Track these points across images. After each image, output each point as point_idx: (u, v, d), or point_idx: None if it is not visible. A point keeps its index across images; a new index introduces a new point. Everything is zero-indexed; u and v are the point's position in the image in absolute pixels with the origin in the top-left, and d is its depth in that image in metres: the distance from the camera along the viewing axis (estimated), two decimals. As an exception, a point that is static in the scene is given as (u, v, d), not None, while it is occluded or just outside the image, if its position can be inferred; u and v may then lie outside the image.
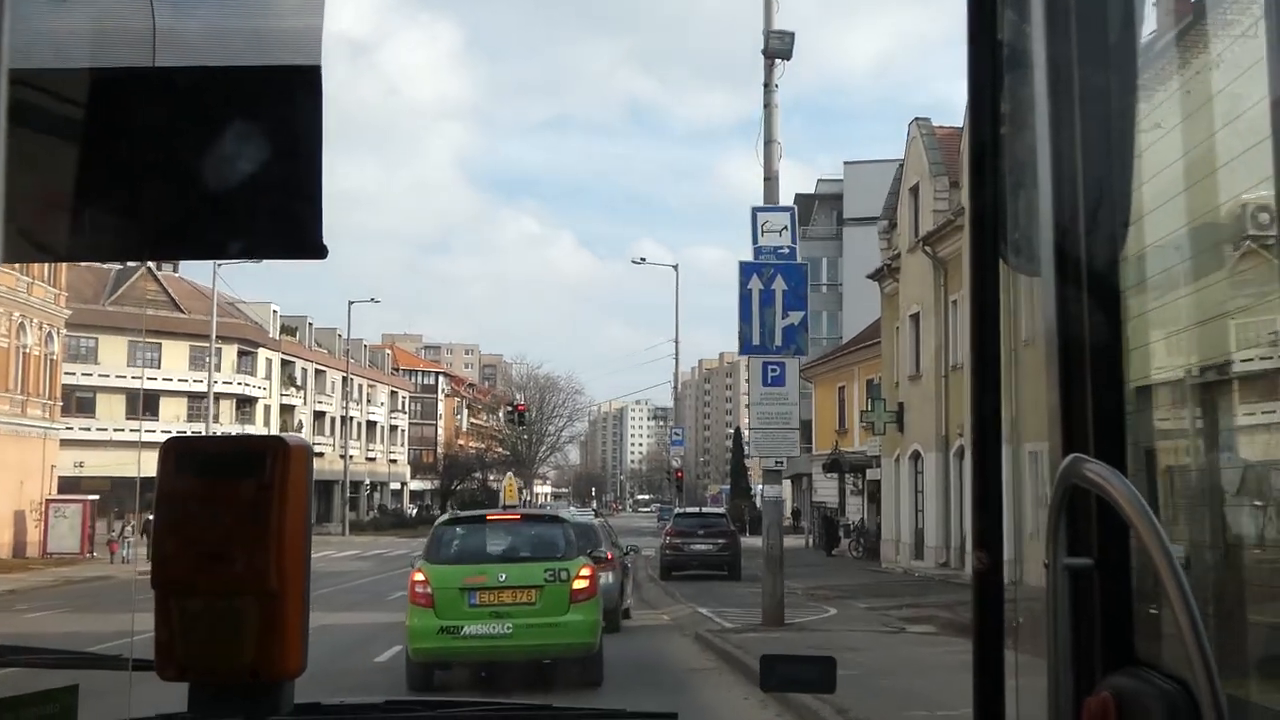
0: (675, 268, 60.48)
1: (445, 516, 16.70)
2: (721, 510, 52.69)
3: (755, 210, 23.29)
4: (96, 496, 52.61)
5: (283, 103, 1.61)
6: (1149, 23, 2.08)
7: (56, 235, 1.64)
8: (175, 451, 1.49)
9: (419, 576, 14.61)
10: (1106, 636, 1.75)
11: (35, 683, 1.44)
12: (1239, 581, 2.69)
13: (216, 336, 70.98)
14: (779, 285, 22.34)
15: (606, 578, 18.43)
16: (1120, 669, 1.68)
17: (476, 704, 3.28)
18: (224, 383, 75.62)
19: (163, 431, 57.29)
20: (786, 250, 22.86)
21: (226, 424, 75.37)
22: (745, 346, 22.91)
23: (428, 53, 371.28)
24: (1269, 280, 2.35)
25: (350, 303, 78.03)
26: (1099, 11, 1.88)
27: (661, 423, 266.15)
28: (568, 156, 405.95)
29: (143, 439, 65.61)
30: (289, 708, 1.50)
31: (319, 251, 1.63)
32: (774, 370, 22.94)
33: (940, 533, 39.45)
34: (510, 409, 74.50)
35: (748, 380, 29.21)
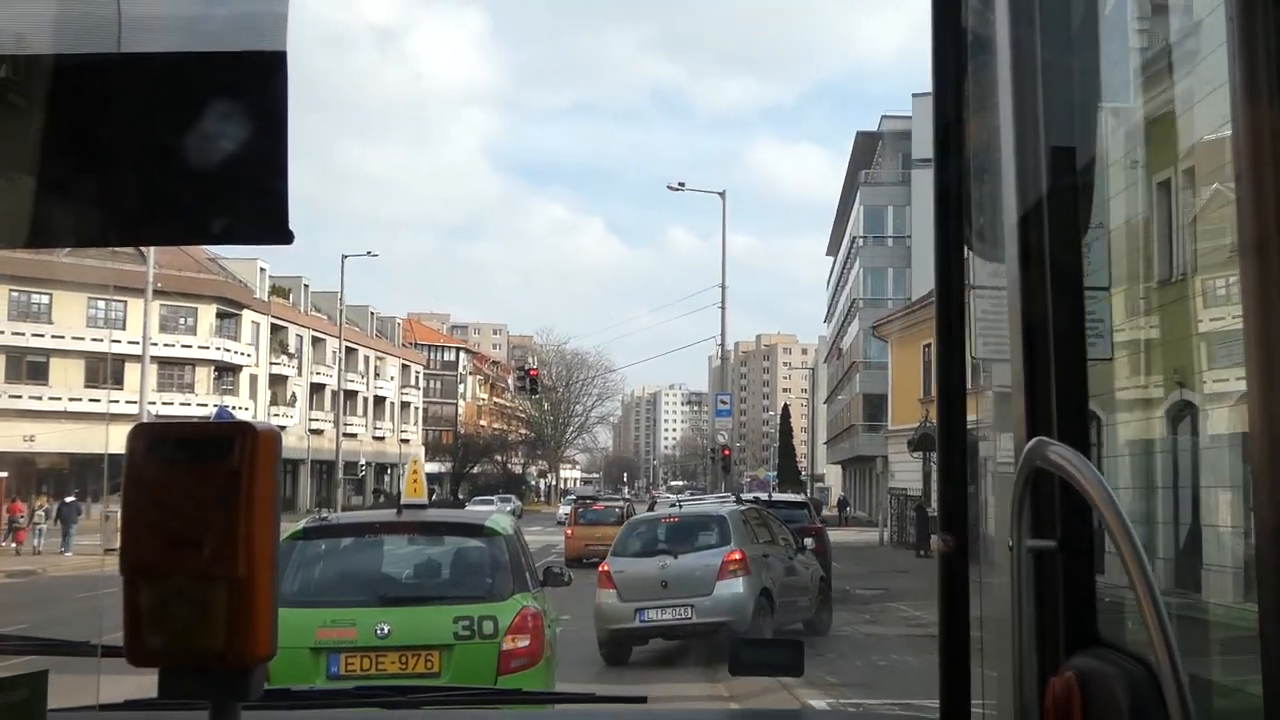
0: (722, 195, 49.92)
1: (302, 524, 9.69)
2: (799, 498, 33.84)
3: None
4: (4, 474, 45.27)
5: (248, 88, 1.61)
6: (1111, 7, 2.09)
7: (16, 222, 1.63)
8: (143, 437, 1.49)
9: None
10: (1070, 617, 1.76)
11: (3, 670, 1.44)
12: (1197, 560, 2.73)
13: (191, 295, 65.62)
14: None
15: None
16: (1084, 649, 1.70)
17: (449, 690, 3.29)
18: (199, 347, 68.98)
19: (128, 402, 50.95)
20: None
21: (203, 394, 68.52)
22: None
23: (453, 39, 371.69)
24: (1230, 264, 2.37)
25: (344, 257, 68.22)
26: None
27: (695, 408, 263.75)
28: (593, 142, 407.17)
29: (109, 410, 58.63)
30: (259, 692, 1.51)
31: (284, 237, 1.63)
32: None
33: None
34: (521, 373, 61.38)
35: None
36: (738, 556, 17.74)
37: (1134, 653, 1.56)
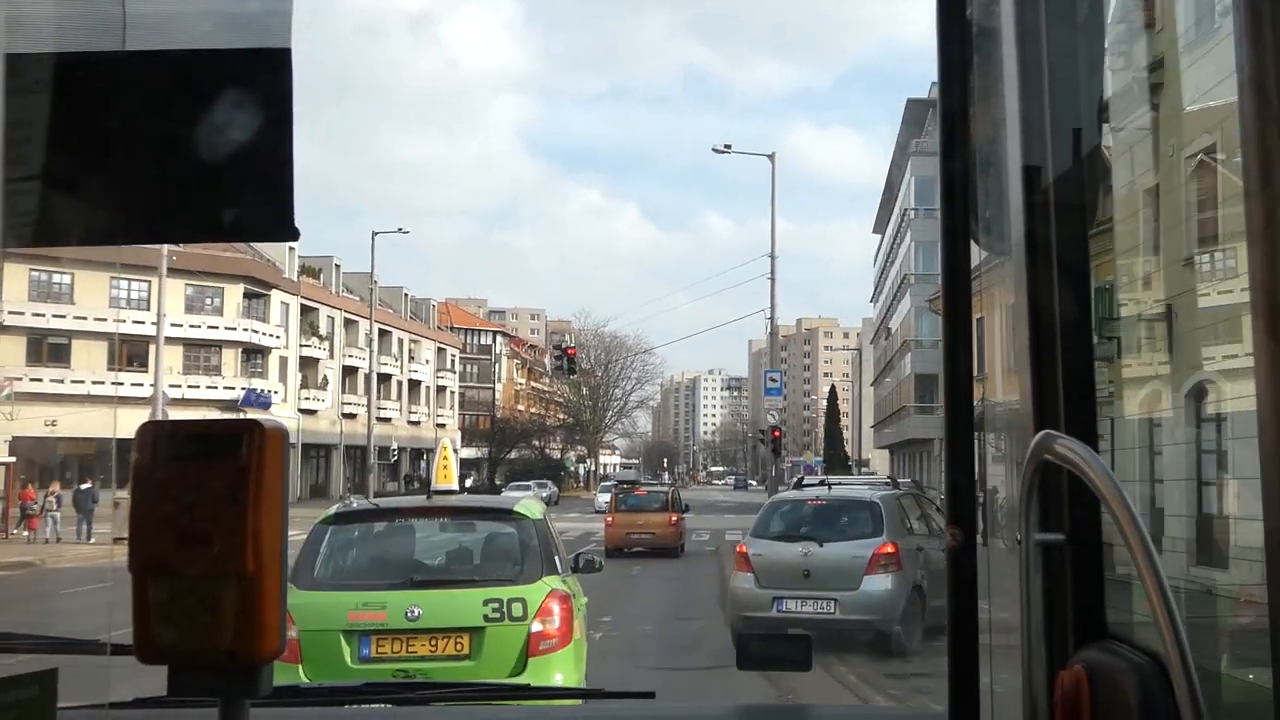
0: (770, 157, 45.97)
1: (335, 508, 9.85)
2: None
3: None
4: (13, 459, 42.62)
5: (253, 86, 1.61)
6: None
7: (22, 220, 1.64)
8: (151, 434, 1.50)
9: None
10: (1078, 611, 1.76)
11: (14, 668, 1.44)
12: (1208, 553, 2.73)
13: (216, 274, 62.94)
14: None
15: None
16: (1092, 643, 1.70)
17: (454, 685, 3.29)
18: (226, 328, 65.81)
19: (151, 385, 46.91)
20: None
21: (230, 376, 65.90)
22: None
23: (486, 25, 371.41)
24: (1240, 252, 2.37)
25: (375, 234, 64.95)
26: None
27: (735, 393, 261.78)
28: (627, 127, 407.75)
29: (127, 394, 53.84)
30: (268, 689, 1.51)
31: (290, 234, 1.63)
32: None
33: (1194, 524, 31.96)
34: (559, 353, 57.26)
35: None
36: (890, 550, 15.95)
37: (1143, 646, 1.56)
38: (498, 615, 8.43)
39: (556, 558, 9.34)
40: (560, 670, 8.48)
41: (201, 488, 1.46)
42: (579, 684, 8.72)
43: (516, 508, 9.55)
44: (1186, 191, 2.30)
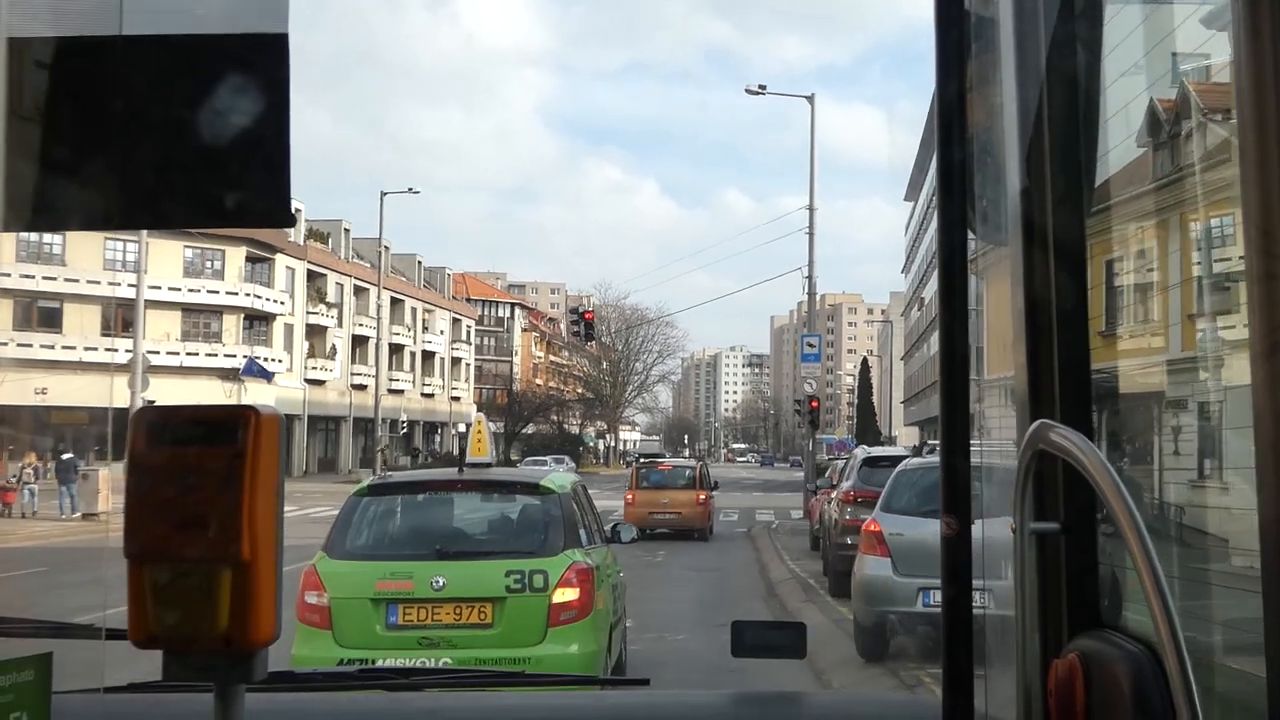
0: (810, 99, 40.90)
1: (367, 481, 10.31)
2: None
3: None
4: None
5: (250, 71, 1.60)
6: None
7: (19, 204, 1.63)
8: (146, 420, 1.49)
9: (311, 579, 8.89)
10: (1073, 600, 1.77)
11: (8, 652, 1.44)
12: (1203, 545, 2.72)
13: (218, 236, 59.30)
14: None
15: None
16: (1087, 632, 1.71)
17: (450, 672, 3.30)
18: (228, 293, 62.99)
19: (148, 352, 44.10)
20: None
21: (231, 343, 62.73)
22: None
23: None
24: (1237, 241, 2.37)
25: (383, 194, 62.80)
26: None
27: (756, 370, 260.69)
28: (646, 103, 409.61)
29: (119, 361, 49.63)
30: (263, 675, 1.51)
31: (286, 219, 1.64)
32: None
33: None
34: (575, 317, 50.81)
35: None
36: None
37: (1137, 635, 1.56)
38: (519, 586, 8.77)
39: (582, 530, 9.73)
40: (579, 641, 8.82)
41: (197, 473, 1.46)
42: (599, 654, 9.08)
43: (544, 481, 9.95)
44: (1185, 179, 2.30)
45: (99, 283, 55.08)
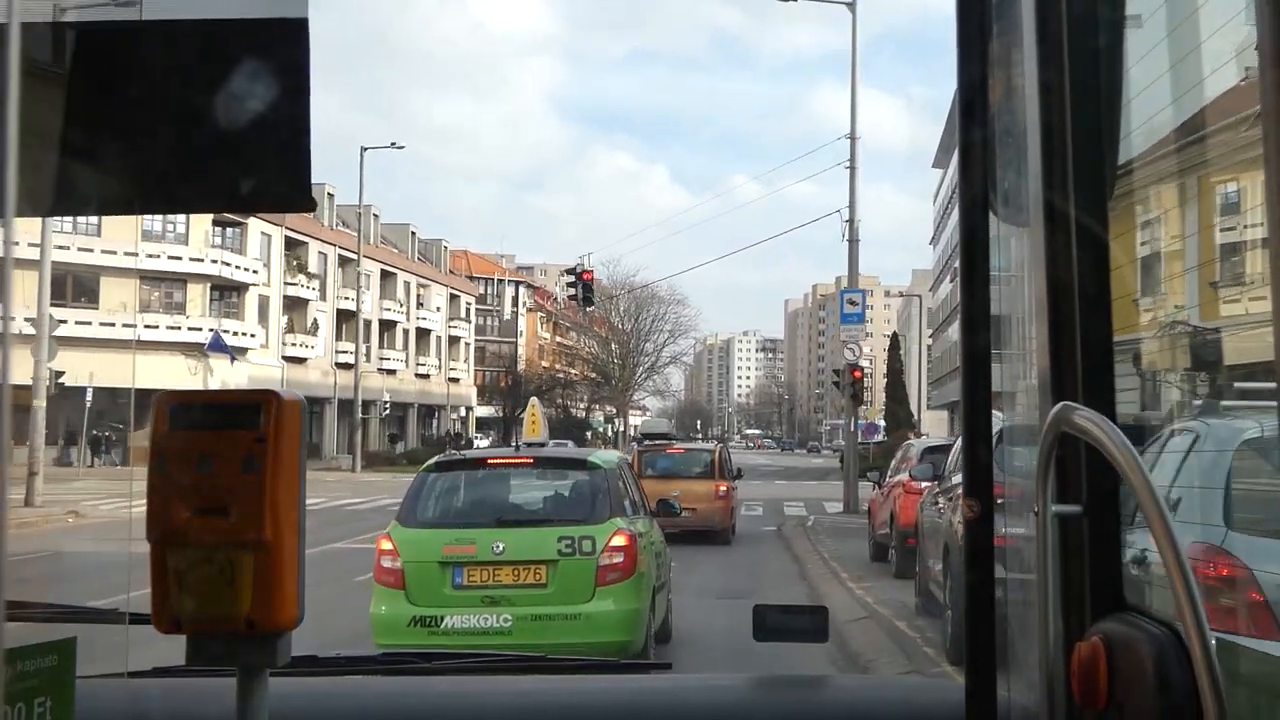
0: (850, 5, 33.90)
1: (434, 459, 11.62)
2: None
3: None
4: None
5: (270, 56, 1.60)
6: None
7: (40, 190, 1.64)
8: (169, 404, 1.50)
9: (386, 545, 10.24)
10: (1095, 582, 1.76)
11: (32, 637, 1.45)
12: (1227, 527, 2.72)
13: None
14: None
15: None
16: (1110, 614, 1.70)
17: (472, 655, 3.31)
18: (191, 259, 56.82)
19: (102, 324, 43.67)
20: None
21: (196, 315, 56.97)
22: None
23: None
24: (1264, 222, 2.35)
25: (363, 149, 58.45)
26: None
27: (770, 354, 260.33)
28: (655, 90, 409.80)
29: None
30: (286, 659, 1.52)
31: (307, 203, 1.64)
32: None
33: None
34: (572, 277, 43.48)
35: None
36: None
37: (1160, 618, 1.55)
38: (570, 550, 10.10)
39: (627, 502, 11.14)
40: (624, 599, 10.15)
41: (219, 457, 1.46)
42: (642, 611, 10.41)
43: (591, 458, 11.41)
44: (1210, 160, 2.28)
45: (37, 245, 48.90)
